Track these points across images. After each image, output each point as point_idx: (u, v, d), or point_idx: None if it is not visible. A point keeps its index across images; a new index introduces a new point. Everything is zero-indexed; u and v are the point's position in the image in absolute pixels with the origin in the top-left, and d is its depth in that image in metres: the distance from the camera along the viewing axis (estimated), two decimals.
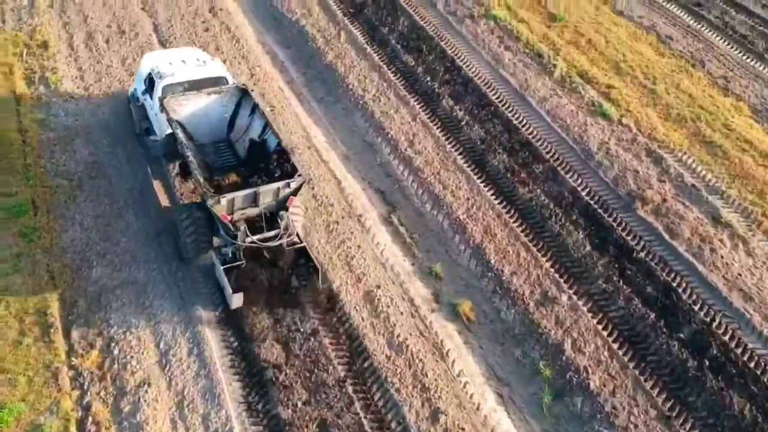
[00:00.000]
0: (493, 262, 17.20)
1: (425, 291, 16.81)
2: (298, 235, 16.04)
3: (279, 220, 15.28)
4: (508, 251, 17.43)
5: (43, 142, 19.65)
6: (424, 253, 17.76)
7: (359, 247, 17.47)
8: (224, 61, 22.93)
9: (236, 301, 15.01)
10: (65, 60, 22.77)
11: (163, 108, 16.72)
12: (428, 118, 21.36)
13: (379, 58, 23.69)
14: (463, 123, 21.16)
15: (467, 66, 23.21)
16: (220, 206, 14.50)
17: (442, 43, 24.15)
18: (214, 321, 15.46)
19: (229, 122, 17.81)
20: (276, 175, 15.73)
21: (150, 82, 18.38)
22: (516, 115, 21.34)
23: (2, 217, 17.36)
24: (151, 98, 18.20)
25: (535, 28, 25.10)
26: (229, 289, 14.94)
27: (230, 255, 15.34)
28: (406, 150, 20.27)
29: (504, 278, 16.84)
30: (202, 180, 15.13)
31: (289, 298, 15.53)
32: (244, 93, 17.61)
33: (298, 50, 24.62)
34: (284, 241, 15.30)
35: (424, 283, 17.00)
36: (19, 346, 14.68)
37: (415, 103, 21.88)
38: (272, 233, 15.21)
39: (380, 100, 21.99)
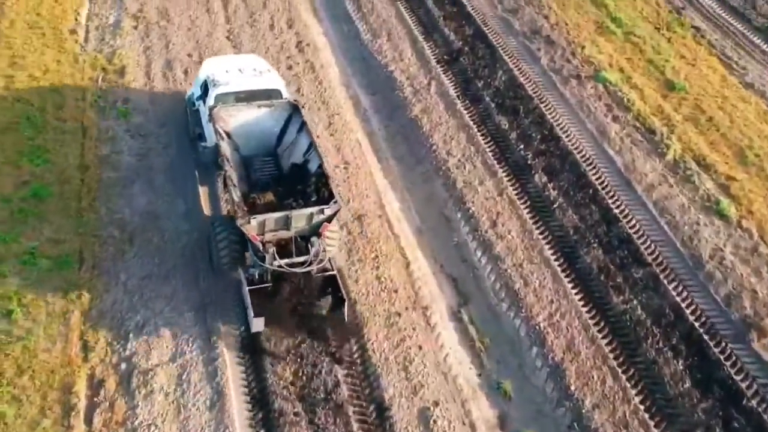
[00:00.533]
0: (573, 387, 14.83)
1: (490, 413, 14.63)
2: (331, 261, 15.55)
3: (310, 246, 14.75)
4: (593, 376, 15.00)
5: (102, 183, 18.56)
6: (494, 364, 15.57)
7: (420, 348, 15.45)
8: (303, 105, 21.30)
9: (257, 325, 14.51)
10: (139, 90, 21.72)
11: (211, 117, 16.59)
12: (516, 194, 19.08)
13: (470, 117, 21.55)
14: (555, 205, 18.77)
15: (567, 136, 20.76)
16: (250, 226, 14.20)
17: (542, 106, 21.75)
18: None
19: (277, 137, 17.52)
20: (312, 199, 15.36)
21: (204, 89, 18.30)
22: (617, 203, 18.77)
23: (46, 268, 16.29)
24: (205, 104, 17.99)
25: (650, 96, 22.32)
26: (251, 312, 14.47)
27: (257, 276, 14.96)
28: (487, 231, 18.08)
29: (584, 411, 14.46)
30: (236, 198, 14.75)
31: (313, 327, 14.97)
32: (294, 109, 17.33)
33: (384, 98, 22.76)
34: (313, 268, 14.79)
35: (490, 402, 14.82)
36: (36, 427, 13.40)
37: (504, 174, 19.63)
38: (301, 259, 14.72)
39: (465, 167, 19.86)
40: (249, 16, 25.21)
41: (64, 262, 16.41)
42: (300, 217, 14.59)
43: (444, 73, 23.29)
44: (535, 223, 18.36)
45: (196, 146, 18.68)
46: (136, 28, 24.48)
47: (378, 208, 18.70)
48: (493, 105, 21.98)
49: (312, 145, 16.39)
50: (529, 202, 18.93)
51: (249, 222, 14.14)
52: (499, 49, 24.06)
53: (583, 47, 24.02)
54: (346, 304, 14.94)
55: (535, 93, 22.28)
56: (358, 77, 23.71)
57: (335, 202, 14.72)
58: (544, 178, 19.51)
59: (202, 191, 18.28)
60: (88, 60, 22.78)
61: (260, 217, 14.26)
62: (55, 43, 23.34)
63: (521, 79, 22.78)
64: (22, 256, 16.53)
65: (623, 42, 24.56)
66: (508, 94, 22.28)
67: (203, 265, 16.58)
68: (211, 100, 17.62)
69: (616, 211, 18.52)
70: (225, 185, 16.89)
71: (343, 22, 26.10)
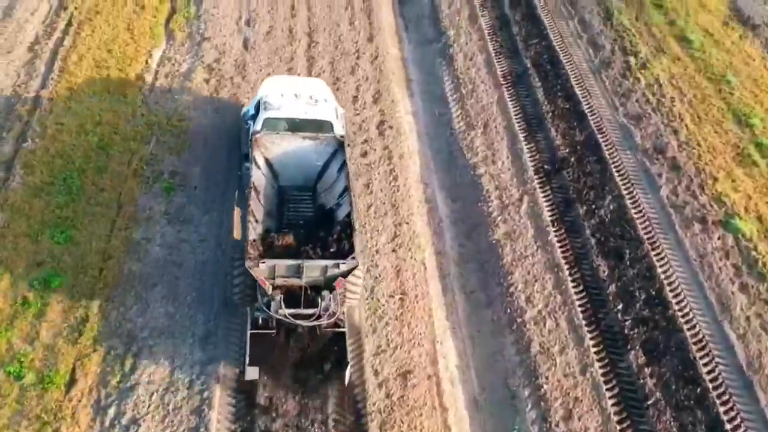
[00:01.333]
0: None
1: None
2: (343, 316, 14.56)
3: (320, 299, 13.85)
4: None
5: (122, 278, 16.14)
6: None
7: None
8: (369, 207, 18.43)
9: (250, 373, 13.75)
10: (193, 161, 19.28)
11: (251, 144, 16.31)
12: (603, 376, 15.34)
13: (563, 253, 17.89)
14: (650, 401, 14.91)
15: (679, 303, 16.80)
16: (259, 270, 13.53)
17: (653, 254, 17.83)
18: None
19: (319, 171, 16.98)
20: (331, 249, 14.39)
21: (257, 109, 17.88)
22: (732, 414, 14.73)
23: (29, 383, 13.99)
24: (253, 123, 17.57)
25: None
26: (247, 359, 13.64)
27: (262, 320, 13.98)
28: (558, 425, 14.44)
29: None
30: (250, 237, 14.10)
31: (312, 385, 14.13)
32: (340, 145, 16.78)
33: (465, 208, 19.42)
34: (321, 323, 13.84)
35: None
36: None
37: (591, 343, 15.92)
38: (309, 311, 13.85)
39: (545, 324, 16.28)
40: (333, 82, 22.40)
41: (49, 383, 14.01)
42: (313, 268, 13.83)
43: (541, 188, 19.68)
44: (621, 422, 14.56)
45: (242, 166, 17.72)
46: (207, 81, 22.13)
47: (429, 364, 15.41)
48: (593, 241, 18.23)
49: (347, 190, 15.56)
50: (617, 390, 15.16)
51: (258, 266, 13.46)
52: (613, 166, 20.22)
53: (715, 179, 19.85)
54: (348, 367, 13.89)
55: (647, 234, 18.35)
56: (441, 175, 20.46)
57: (353, 258, 13.83)
58: (642, 359, 15.66)
59: (237, 212, 15.58)
60: (147, 115, 20.57)
61: (270, 262, 13.60)
62: (118, 88, 21.29)
63: (633, 212, 18.89)
64: (9, 363, 14.28)
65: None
66: (615, 230, 18.45)
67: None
68: (258, 124, 17.18)
69: (729, 425, 14.46)
70: (246, 219, 15.18)
71: (436, 102, 22.93)
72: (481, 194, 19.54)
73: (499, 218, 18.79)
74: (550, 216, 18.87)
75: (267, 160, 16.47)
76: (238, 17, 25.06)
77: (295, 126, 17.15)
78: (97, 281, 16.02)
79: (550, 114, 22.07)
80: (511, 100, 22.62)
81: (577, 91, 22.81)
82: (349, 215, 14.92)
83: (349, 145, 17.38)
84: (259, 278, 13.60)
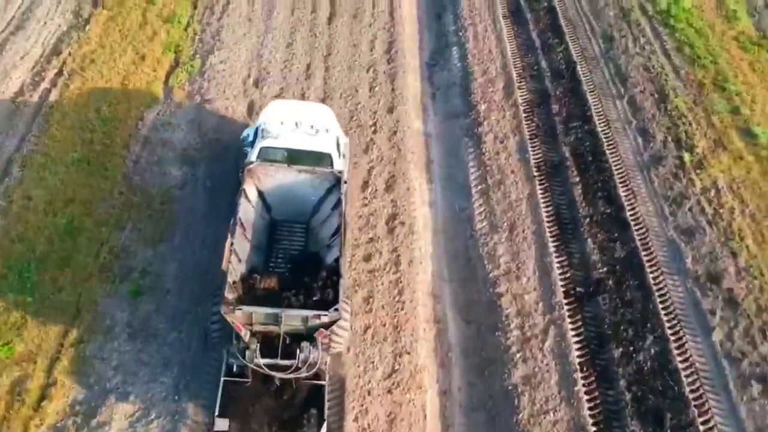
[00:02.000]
0: None
1: None
2: (325, 366, 13.61)
3: (298, 351, 13.06)
4: None
5: (62, 414, 13.59)
6: None
7: None
8: (366, 329, 15.76)
9: (219, 425, 12.75)
10: (173, 255, 16.78)
11: (243, 175, 15.52)
12: None
13: (590, 410, 14.99)
14: None
15: None
16: (235, 316, 12.80)
17: (700, 422, 14.80)
18: None
19: (314, 206, 16.40)
20: (315, 297, 13.76)
21: (255, 136, 17.18)
22: None
23: None
24: (250, 150, 16.86)
25: None
26: (216, 409, 12.83)
27: (237, 368, 13.16)
28: None
29: None
30: (229, 278, 13.30)
31: None
32: (337, 181, 16.01)
33: (479, 335, 16.63)
34: (299, 375, 13.11)
35: None
36: None
37: None
38: (287, 362, 13.06)
39: None
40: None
41: None
42: (293, 318, 13.10)
43: (570, 317, 16.77)
44: None
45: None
46: (201, 152, 19.68)
47: None
48: (628, 396, 15.27)
49: (338, 230, 14.79)
50: None
51: (234, 312, 12.74)
52: (657, 295, 17.22)
53: None
54: (324, 425, 12.98)
55: (693, 393, 15.33)
56: (455, 288, 17.68)
57: (336, 310, 13.01)
58: None
59: (229, 242, 14.24)
60: (127, 193, 18.22)
61: (247, 309, 12.89)
62: (99, 157, 19.10)
63: (677, 361, 15.88)
64: None
65: None
66: (655, 384, 15.47)
67: None
68: (253, 154, 16.46)
69: None
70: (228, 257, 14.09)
71: (458, 192, 20.14)
72: (499, 319, 16.70)
73: (518, 355, 15.94)
74: (578, 357, 15.96)
75: (260, 192, 15.95)
76: (247, 75, 22.57)
77: (293, 157, 16.40)
78: (32, 417, 13.52)
79: (588, 219, 19.12)
80: (543, 198, 19.72)
81: (621, 191, 19.84)
82: (337, 260, 14.17)
83: (345, 182, 16.37)
84: (235, 324, 12.85)
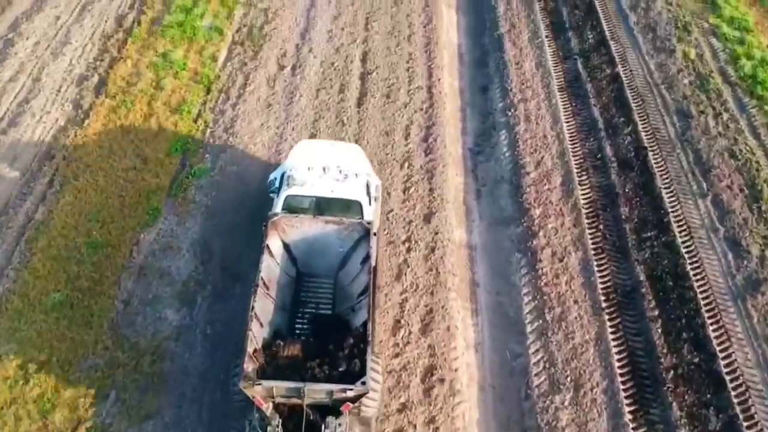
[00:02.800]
0: None
1: None
2: None
3: (323, 427, 12.16)
4: None
5: None
6: None
7: None
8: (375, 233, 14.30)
9: None
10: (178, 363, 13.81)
11: (267, 228, 14.59)
12: None
13: None
14: None
15: None
16: (255, 390, 11.87)
17: None
18: None
19: (342, 259, 15.46)
20: (340, 368, 12.74)
21: (280, 182, 16.29)
22: None
23: None
24: (276, 198, 16.00)
25: None
26: None
27: None
28: None
29: None
30: (249, 349, 12.28)
31: None
32: (366, 232, 15.03)
33: None
34: None
35: None
36: None
37: None
38: None
39: None
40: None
41: None
42: (316, 392, 12.22)
43: None
44: None
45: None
46: (204, 288, 16.68)
47: None
48: None
49: (367, 289, 13.83)
50: None
51: (254, 386, 11.93)
52: None
53: None
54: None
55: None
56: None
57: (363, 383, 12.09)
58: None
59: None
60: (113, 348, 15.43)
61: (267, 384, 12.08)
62: (84, 300, 16.30)
63: None
64: None
65: None
66: None
67: None
68: (278, 204, 15.60)
69: None
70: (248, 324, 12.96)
71: (509, 329, 16.81)
72: None
73: None
74: None
75: (285, 245, 15.25)
76: (261, 179, 19.54)
77: (320, 205, 15.64)
78: None
79: (672, 373, 15.49)
80: (615, 341, 16.18)
81: (711, 331, 16.17)
82: (365, 324, 13.21)
83: (375, 234, 15.19)
84: (255, 399, 12.03)
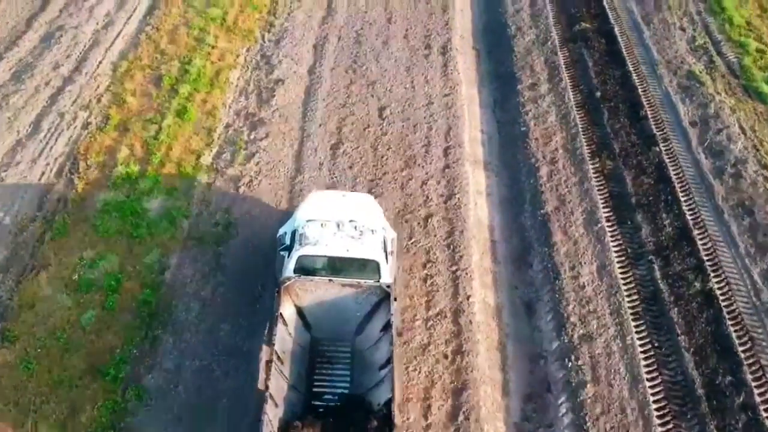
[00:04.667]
0: None
1: None
2: None
3: None
4: None
5: None
6: None
7: None
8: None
9: None
10: None
11: (280, 294, 13.92)
12: None
13: None
14: None
15: None
16: None
17: None
18: None
19: (359, 323, 14.73)
20: None
21: (292, 240, 15.23)
22: None
23: None
24: (288, 257, 14.92)
25: None
26: None
27: None
28: None
29: None
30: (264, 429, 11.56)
31: None
32: (386, 296, 14.32)
33: None
34: None
35: None
36: None
37: None
38: None
39: None
40: None
41: None
42: None
43: None
44: None
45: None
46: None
47: None
48: None
49: (389, 362, 13.06)
50: None
51: None
52: None
53: None
54: None
55: None
56: None
57: None
58: None
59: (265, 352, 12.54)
60: None
61: None
62: None
63: None
64: None
65: None
66: None
67: None
68: (290, 265, 14.63)
69: None
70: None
71: None
72: None
73: None
74: None
75: (298, 309, 14.64)
76: None
77: (335, 265, 14.78)
78: None
79: None
80: None
81: None
82: (389, 402, 12.43)
83: (395, 299, 14.41)
84: None
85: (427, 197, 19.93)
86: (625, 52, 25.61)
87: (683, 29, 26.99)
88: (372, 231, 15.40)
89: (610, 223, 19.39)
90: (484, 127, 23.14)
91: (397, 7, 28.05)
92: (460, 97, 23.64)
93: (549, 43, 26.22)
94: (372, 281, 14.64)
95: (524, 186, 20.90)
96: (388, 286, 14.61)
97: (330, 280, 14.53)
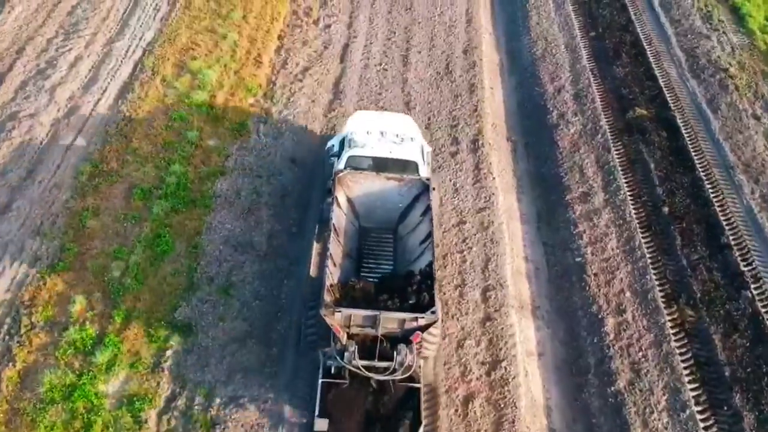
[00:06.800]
0: None
1: None
2: (419, 371, 13.86)
3: (395, 353, 13.22)
4: None
5: None
6: None
7: None
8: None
9: (319, 425, 13.04)
10: None
11: (333, 183, 15.84)
12: None
13: None
14: None
15: None
16: (334, 318, 13.07)
17: None
18: None
19: (401, 213, 16.68)
20: (410, 300, 13.95)
21: (341, 146, 17.60)
22: None
23: None
24: (336, 161, 17.21)
25: None
26: (317, 409, 13.17)
27: (335, 369, 13.43)
28: None
29: None
30: (327, 282, 13.59)
31: None
32: (425, 188, 16.22)
33: None
34: (396, 377, 13.33)
35: None
36: None
37: None
38: (383, 364, 13.32)
39: None
40: None
41: None
42: (391, 320, 13.31)
43: None
44: None
45: (324, 201, 16.32)
46: None
47: None
48: None
49: (429, 236, 14.96)
50: None
51: (334, 314, 13.05)
52: None
53: None
54: (422, 427, 13.20)
55: None
56: None
57: (433, 312, 13.22)
58: None
59: (316, 248, 14.73)
60: None
61: (346, 312, 13.19)
62: None
63: None
64: None
65: None
66: None
67: None
68: (342, 162, 16.96)
69: None
70: (324, 262, 14.22)
71: None
72: None
73: None
74: None
75: (349, 199, 16.38)
76: None
77: (380, 165, 16.84)
78: None
79: None
80: None
81: None
82: (430, 265, 14.36)
83: (434, 188, 16.34)
84: (333, 326, 13.03)
85: (465, 368, 15.58)
86: (692, 151, 21.35)
87: (757, 117, 22.73)
88: (411, 139, 17.64)
89: (700, 408, 15.05)
90: (528, 253, 18.91)
91: (417, 88, 23.69)
92: (497, 211, 19.39)
93: (599, 136, 21.95)
94: (413, 176, 16.42)
95: (585, 345, 16.61)
96: (428, 179, 16.37)
97: (377, 173, 16.27)
